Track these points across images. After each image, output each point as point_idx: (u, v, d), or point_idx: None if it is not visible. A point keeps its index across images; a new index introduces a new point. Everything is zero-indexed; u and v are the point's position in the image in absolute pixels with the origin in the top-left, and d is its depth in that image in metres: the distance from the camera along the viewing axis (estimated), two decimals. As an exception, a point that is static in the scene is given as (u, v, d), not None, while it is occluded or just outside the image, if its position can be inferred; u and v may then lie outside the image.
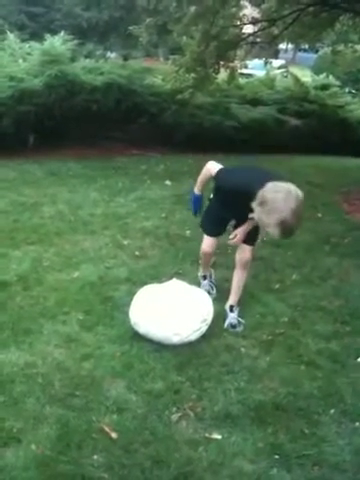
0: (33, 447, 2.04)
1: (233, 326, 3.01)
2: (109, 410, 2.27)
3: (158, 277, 3.46)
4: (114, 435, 2.14)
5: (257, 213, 2.49)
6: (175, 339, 2.73)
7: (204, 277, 3.42)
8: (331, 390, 2.55)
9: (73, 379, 2.44)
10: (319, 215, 5.03)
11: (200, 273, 3.45)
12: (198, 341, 2.82)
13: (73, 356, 2.61)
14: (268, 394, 2.47)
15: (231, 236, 3.01)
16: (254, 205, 2.48)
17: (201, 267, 3.44)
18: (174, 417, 2.28)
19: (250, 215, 2.66)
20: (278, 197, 2.40)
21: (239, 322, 3.03)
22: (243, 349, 2.80)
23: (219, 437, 2.19)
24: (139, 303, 2.83)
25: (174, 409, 2.32)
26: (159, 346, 2.72)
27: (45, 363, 2.53)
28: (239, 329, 3.00)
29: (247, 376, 2.59)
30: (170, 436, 2.17)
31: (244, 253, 3.08)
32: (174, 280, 3.01)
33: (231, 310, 3.08)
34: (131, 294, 3.13)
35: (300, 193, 2.49)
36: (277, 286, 3.57)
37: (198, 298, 2.90)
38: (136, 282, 3.35)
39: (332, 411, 2.40)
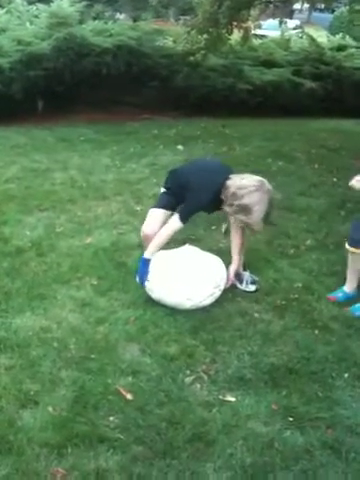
0: (50, 409, 2.08)
1: (253, 282, 3.04)
2: (124, 373, 2.31)
3: (173, 242, 3.44)
4: (129, 397, 2.18)
5: (239, 217, 2.76)
6: (188, 304, 2.74)
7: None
8: (345, 354, 2.55)
9: (88, 343, 2.47)
10: (334, 180, 4.94)
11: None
12: (211, 306, 2.82)
13: (87, 320, 2.63)
14: (282, 358, 2.48)
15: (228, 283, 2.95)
16: (230, 210, 2.76)
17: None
18: (188, 379, 2.30)
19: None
20: (250, 187, 2.68)
21: (255, 279, 3.07)
22: (256, 314, 2.80)
23: (233, 399, 2.22)
24: (152, 269, 2.83)
25: (188, 372, 2.34)
26: (173, 311, 2.74)
27: (60, 327, 2.56)
28: (258, 286, 3.04)
29: (260, 340, 2.60)
30: (184, 398, 2.20)
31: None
32: (187, 246, 2.99)
33: (244, 269, 3.10)
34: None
35: (264, 179, 2.77)
36: (291, 251, 3.55)
37: (211, 263, 2.89)
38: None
39: (346, 375, 2.41)
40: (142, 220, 3.80)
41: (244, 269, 3.09)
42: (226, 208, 2.78)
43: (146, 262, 2.82)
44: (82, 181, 4.53)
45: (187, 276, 2.77)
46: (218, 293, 2.84)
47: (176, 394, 2.21)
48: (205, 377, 2.33)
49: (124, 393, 2.19)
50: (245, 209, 2.69)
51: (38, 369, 2.29)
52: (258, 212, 2.69)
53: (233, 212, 2.77)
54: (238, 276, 3.06)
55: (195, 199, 2.81)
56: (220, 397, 2.22)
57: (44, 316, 2.64)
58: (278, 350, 2.54)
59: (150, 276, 2.81)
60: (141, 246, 3.38)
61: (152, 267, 2.83)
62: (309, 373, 2.41)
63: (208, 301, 2.79)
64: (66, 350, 2.42)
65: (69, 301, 2.77)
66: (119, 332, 2.56)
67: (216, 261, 2.93)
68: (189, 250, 2.95)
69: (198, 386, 2.28)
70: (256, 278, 3.08)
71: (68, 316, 2.65)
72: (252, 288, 3.02)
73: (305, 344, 2.60)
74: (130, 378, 2.28)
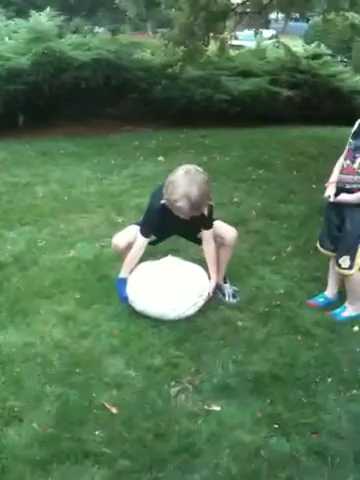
0: (35, 425, 2.06)
1: (234, 296, 3.04)
2: (109, 386, 2.30)
3: (154, 254, 3.44)
4: (115, 410, 2.17)
5: (166, 196, 2.66)
6: (172, 314, 2.75)
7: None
8: (328, 359, 2.58)
9: (72, 357, 2.47)
10: (314, 186, 5.00)
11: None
12: (195, 315, 2.83)
13: (71, 335, 2.62)
14: (265, 365, 2.50)
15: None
16: (179, 210, 2.67)
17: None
18: (173, 391, 2.30)
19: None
20: (179, 174, 2.64)
21: (235, 291, 3.09)
22: (240, 322, 2.82)
23: (218, 409, 2.22)
24: (135, 280, 2.83)
25: (173, 383, 2.34)
26: (157, 322, 2.74)
27: (43, 342, 2.55)
28: (239, 298, 3.05)
29: (244, 348, 2.61)
30: (170, 410, 2.20)
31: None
32: (169, 256, 3.01)
33: (225, 281, 3.10)
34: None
35: (200, 169, 2.73)
36: (273, 258, 3.58)
37: (193, 273, 2.91)
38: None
39: (329, 380, 2.43)
40: (124, 232, 3.85)
41: (225, 281, 3.10)
42: (176, 212, 2.69)
43: (122, 281, 2.87)
44: (64, 194, 4.53)
45: (170, 286, 2.78)
46: (201, 302, 2.85)
47: (161, 406, 2.21)
48: (190, 388, 2.33)
49: (109, 407, 2.18)
50: (170, 182, 2.63)
51: (22, 385, 2.27)
52: (181, 186, 2.59)
53: (183, 211, 2.66)
54: (220, 288, 3.08)
55: (148, 207, 2.88)
56: (205, 407, 2.23)
57: (27, 331, 2.63)
58: (262, 357, 2.55)
59: (132, 288, 2.82)
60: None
61: (134, 279, 2.84)
62: (293, 379, 2.43)
63: (191, 311, 2.81)
64: (50, 365, 2.40)
65: (52, 316, 2.76)
66: (103, 345, 2.55)
67: (198, 270, 2.95)
68: (171, 260, 2.96)
69: (183, 397, 2.28)
70: (237, 289, 3.10)
71: (51, 331, 2.64)
72: (234, 301, 3.03)
73: (288, 350, 2.62)
74: (115, 391, 2.27)
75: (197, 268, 2.98)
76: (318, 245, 3.09)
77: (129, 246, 2.90)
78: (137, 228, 2.91)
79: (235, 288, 3.10)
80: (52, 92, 6.57)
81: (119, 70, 6.99)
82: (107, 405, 2.19)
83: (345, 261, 2.83)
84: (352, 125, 2.96)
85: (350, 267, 2.82)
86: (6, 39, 7.05)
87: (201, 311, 2.86)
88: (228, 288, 3.07)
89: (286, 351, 2.61)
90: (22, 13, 11.58)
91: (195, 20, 6.79)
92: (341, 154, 3.00)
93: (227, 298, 3.04)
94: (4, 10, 13.39)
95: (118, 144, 6.43)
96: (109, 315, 2.80)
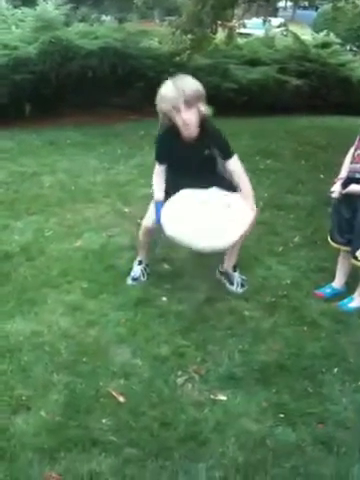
0: (42, 413, 2.08)
1: (242, 285, 3.04)
2: (116, 375, 2.32)
3: (161, 243, 3.45)
4: (121, 399, 2.19)
5: (162, 110, 2.75)
6: (202, 243, 2.69)
7: (140, 262, 3.12)
8: (334, 350, 2.58)
9: (79, 346, 2.48)
10: (321, 176, 4.98)
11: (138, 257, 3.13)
12: (202, 305, 2.84)
13: (78, 324, 2.64)
14: (272, 355, 2.51)
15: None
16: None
17: (139, 249, 3.14)
18: (179, 380, 2.31)
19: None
20: (165, 84, 2.76)
21: (244, 280, 3.08)
22: (246, 312, 2.82)
23: (224, 398, 2.23)
24: (169, 206, 2.76)
25: (179, 372, 2.35)
26: (163, 311, 2.75)
27: (51, 331, 2.57)
28: (247, 287, 3.05)
29: (251, 338, 2.62)
30: (176, 398, 2.21)
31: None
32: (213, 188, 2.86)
33: (234, 270, 3.10)
34: (133, 261, 3.15)
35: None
36: (280, 249, 3.57)
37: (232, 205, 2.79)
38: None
39: (335, 370, 2.44)
40: (131, 222, 3.84)
41: (234, 270, 3.10)
42: (178, 122, 2.74)
43: (159, 204, 2.84)
44: (70, 184, 4.53)
45: (203, 216, 2.69)
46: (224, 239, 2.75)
47: (168, 395, 2.23)
48: (196, 377, 2.34)
49: (116, 395, 2.20)
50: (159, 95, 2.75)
51: (30, 374, 2.29)
52: (189, 90, 2.71)
53: (181, 113, 2.71)
54: (228, 277, 3.07)
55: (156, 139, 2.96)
56: (211, 396, 2.24)
57: (35, 321, 2.64)
58: (268, 347, 2.56)
59: (166, 213, 2.75)
60: (132, 247, 3.40)
61: (169, 204, 2.77)
62: (299, 369, 2.43)
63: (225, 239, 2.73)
64: (57, 354, 2.42)
65: (59, 305, 2.77)
66: (110, 335, 2.57)
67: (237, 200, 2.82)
68: (212, 192, 2.83)
69: (190, 386, 2.29)
70: (245, 278, 3.10)
71: (59, 320, 2.65)
72: (241, 291, 3.03)
73: (295, 341, 2.62)
74: (122, 380, 2.28)
75: (236, 198, 2.84)
76: (329, 239, 3.07)
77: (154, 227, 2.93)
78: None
79: (244, 277, 3.10)
80: (59, 81, 6.54)
81: (126, 59, 6.94)
82: (114, 394, 2.21)
83: None
84: (360, 115, 2.94)
85: None
86: (13, 28, 7.02)
87: (208, 301, 2.87)
88: (237, 277, 3.07)
89: (292, 341, 2.62)
90: (28, 2, 11.53)
91: (203, 8, 6.71)
92: (349, 144, 2.98)
93: (235, 287, 3.03)
94: (11, -1, 13.36)
95: (124, 134, 6.40)
96: (116, 305, 2.81)
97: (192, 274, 3.15)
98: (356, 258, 2.86)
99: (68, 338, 2.53)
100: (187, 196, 2.78)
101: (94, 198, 4.26)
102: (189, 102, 2.68)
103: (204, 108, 2.78)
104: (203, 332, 2.63)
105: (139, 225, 3.73)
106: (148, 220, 2.99)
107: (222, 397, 2.24)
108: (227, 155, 2.87)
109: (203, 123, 2.81)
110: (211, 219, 2.68)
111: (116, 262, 3.25)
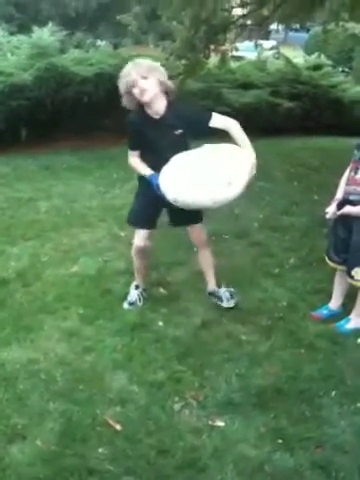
0: (38, 443, 2.06)
1: (232, 297, 3.05)
2: (112, 402, 2.30)
3: (157, 267, 3.47)
4: (118, 427, 2.17)
5: (123, 97, 2.75)
6: (207, 199, 2.59)
7: (136, 286, 3.11)
8: (332, 372, 2.57)
9: (75, 373, 2.47)
10: (315, 197, 5.02)
11: (134, 282, 3.13)
12: (198, 329, 2.84)
13: (74, 350, 2.63)
14: (269, 379, 2.50)
15: None
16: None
17: (135, 273, 3.12)
18: (177, 406, 2.30)
19: None
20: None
21: (232, 292, 3.08)
22: (243, 336, 2.82)
23: (222, 424, 2.22)
24: (165, 171, 2.64)
25: (176, 398, 2.34)
26: (159, 336, 2.74)
27: (47, 358, 2.56)
28: (237, 298, 3.06)
29: (248, 362, 2.61)
30: (173, 425, 2.20)
31: (196, 233, 3.01)
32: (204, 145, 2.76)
33: (219, 286, 3.11)
34: (130, 286, 3.15)
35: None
36: (276, 270, 3.58)
37: (226, 153, 2.72)
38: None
39: (333, 393, 2.43)
40: (127, 245, 3.82)
41: (219, 286, 3.11)
42: (140, 98, 2.69)
43: (152, 175, 2.75)
44: (66, 209, 4.56)
45: (201, 171, 2.59)
46: (237, 178, 2.63)
47: (165, 422, 2.21)
48: (194, 403, 2.33)
49: (113, 423, 2.18)
50: (133, 66, 2.70)
51: (25, 402, 2.28)
52: (144, 63, 2.73)
53: (139, 86, 2.65)
54: (215, 294, 3.08)
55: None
56: (209, 422, 2.22)
57: (31, 347, 2.63)
58: (265, 371, 2.55)
59: (163, 178, 2.64)
60: (128, 271, 3.40)
61: (165, 170, 2.65)
62: (297, 393, 2.42)
63: (229, 194, 2.62)
64: (53, 382, 2.41)
65: (56, 331, 2.77)
66: (106, 361, 2.56)
67: (231, 149, 2.74)
68: (204, 148, 2.72)
69: (187, 412, 2.28)
70: (233, 290, 3.10)
71: (55, 347, 2.64)
72: (232, 303, 3.03)
73: (292, 363, 2.62)
74: (118, 408, 2.27)
75: (229, 148, 2.74)
76: (326, 259, 3.09)
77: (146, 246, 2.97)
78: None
79: (232, 289, 3.10)
80: (54, 107, 6.62)
81: (121, 84, 7.04)
82: (110, 422, 2.19)
83: (357, 273, 2.85)
84: (353, 135, 3.00)
85: None
86: (8, 55, 7.13)
87: (204, 325, 2.87)
88: (224, 291, 3.07)
89: (289, 364, 2.61)
90: (24, 28, 11.74)
91: (196, 33, 6.85)
92: (342, 165, 3.02)
93: (226, 302, 3.04)
94: (7, 25, 13.59)
95: (120, 157, 6.39)
96: (112, 330, 2.80)
97: (188, 298, 3.15)
98: (352, 277, 2.88)
99: (64, 365, 2.51)
100: (179, 159, 2.67)
101: (90, 222, 4.28)
102: (143, 73, 2.65)
103: (166, 81, 2.72)
104: (200, 357, 2.62)
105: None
106: (138, 238, 2.98)
107: (220, 423, 2.23)
108: (206, 119, 2.74)
109: (170, 100, 2.75)
110: (213, 173, 2.58)
111: (112, 287, 3.25)
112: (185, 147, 2.76)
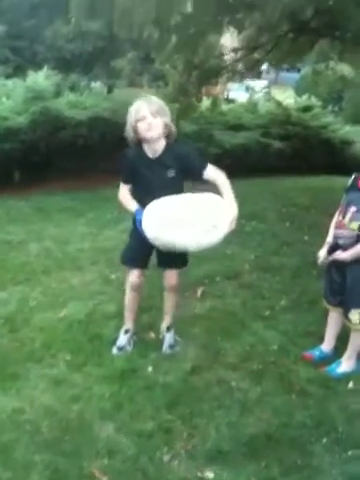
0: (22, 498, 2.01)
1: (171, 346, 3.03)
2: (99, 454, 2.24)
3: (148, 310, 3.45)
4: (105, 479, 2.11)
5: (127, 131, 2.81)
6: (180, 241, 2.64)
7: (126, 331, 3.07)
8: (323, 418, 2.53)
9: (62, 423, 2.41)
10: (306, 238, 5.06)
11: (124, 327, 3.10)
12: (189, 375, 2.80)
13: (61, 399, 2.57)
14: (260, 426, 2.45)
15: None
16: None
17: (125, 316, 3.11)
18: (166, 457, 2.25)
19: None
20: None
21: (176, 341, 3.06)
22: (234, 382, 2.78)
23: (211, 475, 2.17)
24: (149, 209, 2.70)
25: (165, 449, 2.29)
26: (149, 384, 2.70)
27: (33, 408, 2.50)
28: (178, 348, 3.03)
29: (238, 409, 2.57)
30: (162, 477, 2.14)
31: (170, 277, 3.03)
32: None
33: (168, 331, 3.09)
34: (119, 330, 3.13)
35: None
36: (266, 313, 3.57)
37: (210, 202, 2.77)
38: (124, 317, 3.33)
39: (325, 440, 2.39)
40: (117, 288, 3.84)
41: (168, 330, 3.09)
42: (143, 135, 2.76)
43: (137, 211, 2.81)
44: (57, 251, 4.55)
45: (183, 214, 2.66)
46: (215, 233, 2.69)
47: (154, 473, 2.16)
48: (183, 453, 2.28)
49: (99, 476, 2.13)
50: (144, 103, 2.77)
51: (10, 455, 2.22)
52: (156, 102, 2.80)
53: (147, 123, 2.73)
54: (162, 335, 3.10)
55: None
56: (198, 474, 2.17)
57: (17, 397, 2.58)
58: (256, 418, 2.51)
59: (146, 215, 2.71)
60: (118, 315, 3.38)
61: (149, 207, 2.71)
62: (288, 440, 2.38)
63: (204, 240, 2.68)
64: (39, 432, 2.35)
65: (42, 379, 2.72)
66: (94, 410, 2.50)
67: (215, 199, 2.78)
68: (190, 195, 2.80)
69: (176, 463, 2.22)
70: (178, 339, 3.08)
71: (41, 396, 2.59)
72: (169, 351, 3.01)
73: (283, 410, 2.58)
74: (106, 459, 2.21)
75: (213, 198, 2.78)
76: (324, 301, 3.10)
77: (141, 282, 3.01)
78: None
79: (177, 338, 3.08)
80: (49, 149, 6.71)
81: (115, 127, 7.14)
82: (97, 474, 2.13)
83: (355, 315, 2.86)
84: (343, 175, 3.04)
85: None
86: (3, 99, 7.25)
87: (195, 371, 2.83)
88: (169, 337, 3.06)
89: (281, 411, 2.57)
90: (20, 70, 11.99)
91: (188, 78, 7.04)
92: (333, 204, 3.07)
93: (164, 347, 3.02)
94: (3, 67, 13.89)
95: (114, 198, 6.38)
96: (100, 377, 2.76)
97: (178, 342, 3.11)
98: (349, 319, 2.88)
99: (51, 415, 2.46)
100: (165, 200, 2.73)
101: (81, 265, 4.28)
102: (154, 112, 2.72)
103: (171, 125, 2.80)
104: (190, 404, 2.58)
105: (125, 291, 3.75)
106: (132, 276, 3.00)
107: (210, 474, 2.17)
108: (201, 169, 2.81)
109: (169, 141, 2.82)
110: (196, 216, 2.65)
111: (101, 331, 3.21)
112: (177, 189, 2.81)
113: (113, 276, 4.05)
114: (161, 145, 2.80)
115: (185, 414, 2.51)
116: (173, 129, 2.82)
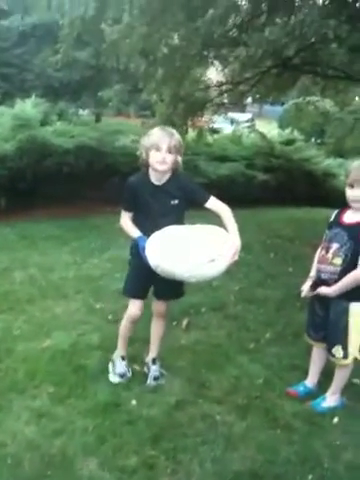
0: None
1: (156, 378, 3.01)
2: (82, 490, 2.20)
3: (131, 343, 3.41)
4: None
5: (145, 148, 2.82)
6: (177, 270, 2.65)
7: (122, 358, 3.09)
8: (308, 454, 2.52)
9: (44, 458, 2.36)
10: (290, 270, 5.10)
11: (117, 352, 3.12)
12: (172, 409, 2.77)
13: (44, 433, 2.53)
14: (245, 463, 2.43)
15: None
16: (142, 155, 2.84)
17: (119, 344, 3.12)
18: (149, 495, 2.21)
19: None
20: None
21: (162, 374, 3.04)
22: (218, 416, 2.75)
23: (195, 514, 2.13)
24: (153, 238, 2.73)
25: (149, 485, 2.25)
26: (132, 418, 2.66)
27: (14, 442, 2.45)
28: (162, 381, 3.01)
29: (223, 444, 2.54)
30: (146, 515, 2.10)
31: (160, 305, 3.06)
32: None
33: (154, 363, 3.08)
34: (103, 361, 3.10)
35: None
36: (251, 346, 3.57)
37: (212, 234, 2.79)
38: (109, 348, 3.28)
39: (310, 477, 2.37)
40: (101, 318, 3.83)
41: (154, 362, 3.08)
42: (154, 166, 2.80)
43: (140, 238, 2.83)
44: (42, 279, 4.52)
45: (181, 244, 2.67)
46: (211, 266, 2.69)
47: (136, 511, 2.12)
48: (166, 490, 2.25)
49: (81, 514, 2.08)
50: (165, 133, 2.82)
51: (-11, 491, 2.17)
52: (176, 136, 2.83)
53: (164, 153, 2.76)
54: (147, 368, 3.08)
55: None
56: (182, 512, 2.14)
57: (-2, 429, 2.53)
58: (241, 455, 2.48)
59: (149, 244, 2.72)
60: (101, 346, 3.35)
61: (153, 237, 2.73)
62: (273, 477, 2.36)
63: (197, 272, 2.69)
64: (20, 467, 2.30)
65: (25, 412, 2.67)
66: (76, 444, 2.45)
67: (218, 232, 2.81)
68: (193, 226, 2.83)
69: (159, 501, 2.19)
70: (164, 372, 3.07)
71: (23, 429, 2.54)
72: (154, 383, 2.99)
73: (268, 445, 2.55)
74: (88, 496, 2.17)
75: (218, 231, 2.82)
76: (305, 336, 3.10)
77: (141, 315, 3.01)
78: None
79: (162, 371, 3.07)
80: (35, 176, 6.73)
81: (101, 156, 7.23)
82: (79, 512, 2.09)
83: (338, 351, 2.86)
84: (326, 207, 3.09)
85: (344, 356, 2.85)
86: (-9, 126, 7.29)
87: (179, 405, 2.80)
88: (155, 369, 3.04)
89: (266, 446, 2.55)
90: (8, 96, 12.07)
91: (175, 110, 7.17)
92: (316, 236, 3.11)
93: (149, 380, 3.00)
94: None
95: (100, 226, 6.50)
96: (83, 410, 2.71)
97: (163, 375, 3.09)
98: (333, 355, 2.89)
99: (33, 449, 2.41)
100: (171, 230, 2.76)
101: (65, 294, 4.25)
102: (171, 147, 2.76)
103: (180, 162, 2.86)
104: (174, 440, 2.54)
105: (110, 322, 3.73)
106: (134, 307, 2.99)
107: (192, 512, 2.14)
108: (204, 198, 2.88)
109: (175, 172, 2.88)
110: (200, 247, 2.67)
111: (85, 362, 3.17)
112: (179, 217, 2.87)
113: (97, 306, 4.03)
114: (167, 176, 2.87)
115: (169, 449, 2.47)
116: (180, 165, 2.89)
